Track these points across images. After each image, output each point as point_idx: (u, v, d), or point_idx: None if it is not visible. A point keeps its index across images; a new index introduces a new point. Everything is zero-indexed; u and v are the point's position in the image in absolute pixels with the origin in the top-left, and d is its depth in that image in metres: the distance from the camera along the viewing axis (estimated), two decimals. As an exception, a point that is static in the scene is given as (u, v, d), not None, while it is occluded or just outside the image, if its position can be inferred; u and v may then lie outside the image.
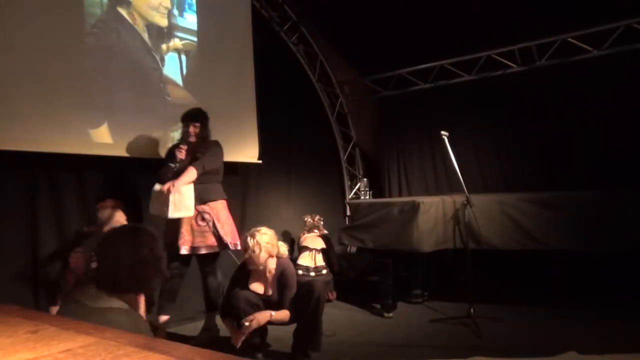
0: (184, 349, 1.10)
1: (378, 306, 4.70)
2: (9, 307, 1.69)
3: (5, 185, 3.71)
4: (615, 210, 4.12)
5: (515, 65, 5.62)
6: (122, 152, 4.26)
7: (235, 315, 3.41)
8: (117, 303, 1.68)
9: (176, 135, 4.71)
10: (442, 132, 4.21)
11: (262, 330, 3.58)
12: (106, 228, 3.45)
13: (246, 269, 3.56)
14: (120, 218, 3.71)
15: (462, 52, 5.80)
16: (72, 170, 4.07)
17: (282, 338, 3.68)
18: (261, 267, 3.48)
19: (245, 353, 3.29)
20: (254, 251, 3.41)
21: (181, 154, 3.85)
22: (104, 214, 3.72)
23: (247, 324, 3.26)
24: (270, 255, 3.49)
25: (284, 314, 3.42)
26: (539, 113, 5.61)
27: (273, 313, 3.37)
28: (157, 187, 3.77)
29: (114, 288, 1.69)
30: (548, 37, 5.26)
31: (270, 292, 3.54)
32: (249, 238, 3.44)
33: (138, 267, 1.72)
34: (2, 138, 3.52)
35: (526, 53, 5.48)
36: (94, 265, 1.89)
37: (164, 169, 3.89)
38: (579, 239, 4.17)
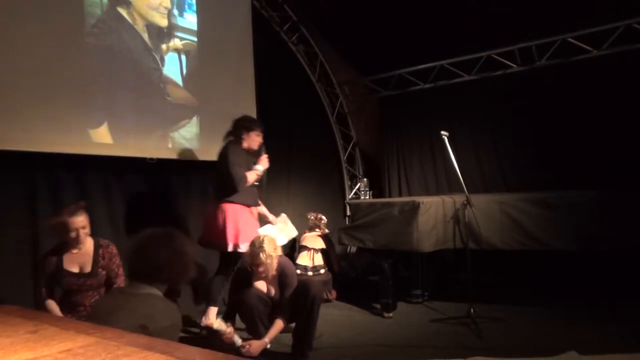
0: (184, 349, 1.11)
1: (378, 306, 4.69)
2: (9, 307, 1.70)
3: (5, 185, 3.70)
4: (615, 210, 4.12)
5: (515, 65, 5.61)
6: (122, 152, 4.26)
7: (248, 316, 3.47)
8: (154, 290, 1.98)
9: (177, 135, 4.72)
10: (442, 132, 4.21)
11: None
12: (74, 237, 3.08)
13: (247, 271, 3.57)
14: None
15: (462, 52, 5.79)
16: (72, 170, 4.07)
17: (282, 337, 3.67)
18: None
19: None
20: (266, 265, 3.44)
21: (266, 165, 4.18)
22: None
23: (243, 349, 3.29)
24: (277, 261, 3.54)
25: (277, 329, 3.47)
26: (538, 113, 5.61)
27: (267, 340, 3.42)
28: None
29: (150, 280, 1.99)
30: (548, 37, 5.25)
31: (273, 292, 3.57)
32: (261, 254, 3.43)
33: (168, 264, 2.02)
34: (2, 138, 3.52)
35: (526, 53, 5.48)
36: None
37: (248, 172, 3.98)
38: (579, 239, 4.16)
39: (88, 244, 3.13)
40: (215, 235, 3.95)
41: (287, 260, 3.68)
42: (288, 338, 3.60)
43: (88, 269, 3.09)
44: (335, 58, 6.72)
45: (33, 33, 3.72)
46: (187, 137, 4.82)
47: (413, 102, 6.57)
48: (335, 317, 4.51)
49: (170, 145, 4.67)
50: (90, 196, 4.13)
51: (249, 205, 4.09)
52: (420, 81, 6.33)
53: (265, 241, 3.48)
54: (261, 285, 3.59)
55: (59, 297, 3.12)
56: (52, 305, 3.06)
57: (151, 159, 4.40)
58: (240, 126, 4.15)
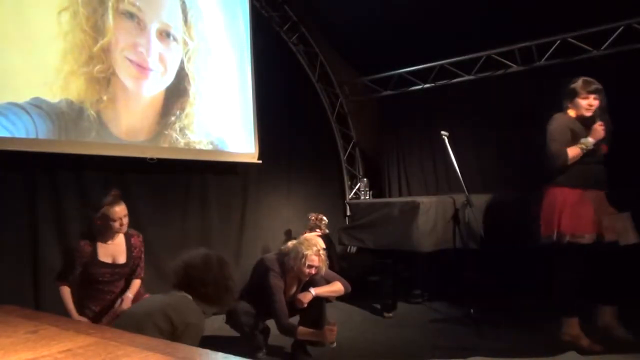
0: (184, 349, 1.11)
1: (378, 306, 4.69)
2: (9, 307, 1.70)
3: (5, 185, 3.71)
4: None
5: (515, 65, 5.61)
6: (122, 152, 4.26)
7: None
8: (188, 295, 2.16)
9: (176, 135, 4.72)
10: (442, 132, 4.21)
11: (265, 329, 3.58)
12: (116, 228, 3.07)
13: (282, 273, 3.37)
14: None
15: (462, 52, 5.79)
16: (72, 170, 4.07)
17: (283, 337, 3.67)
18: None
19: (247, 352, 3.29)
20: (320, 269, 3.37)
21: (599, 135, 3.42)
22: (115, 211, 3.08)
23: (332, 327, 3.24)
24: None
25: (330, 289, 3.44)
26: (538, 113, 5.59)
27: (313, 292, 3.36)
28: None
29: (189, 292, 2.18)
30: (548, 37, 5.25)
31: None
32: (317, 258, 3.30)
33: (214, 283, 2.17)
34: (2, 138, 3.52)
35: (526, 53, 5.48)
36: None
37: (570, 148, 3.38)
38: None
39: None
40: (540, 225, 3.43)
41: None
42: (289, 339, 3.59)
43: (122, 259, 3.11)
44: (335, 58, 6.72)
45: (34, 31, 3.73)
46: (186, 137, 4.81)
47: (413, 102, 6.56)
48: (335, 317, 4.49)
49: (170, 145, 4.67)
50: (90, 196, 4.14)
51: (583, 188, 3.41)
52: (420, 81, 6.33)
53: (320, 243, 3.35)
54: (290, 285, 3.46)
55: (76, 285, 3.06)
56: (66, 293, 2.99)
57: (151, 159, 4.40)
58: (565, 93, 3.58)
